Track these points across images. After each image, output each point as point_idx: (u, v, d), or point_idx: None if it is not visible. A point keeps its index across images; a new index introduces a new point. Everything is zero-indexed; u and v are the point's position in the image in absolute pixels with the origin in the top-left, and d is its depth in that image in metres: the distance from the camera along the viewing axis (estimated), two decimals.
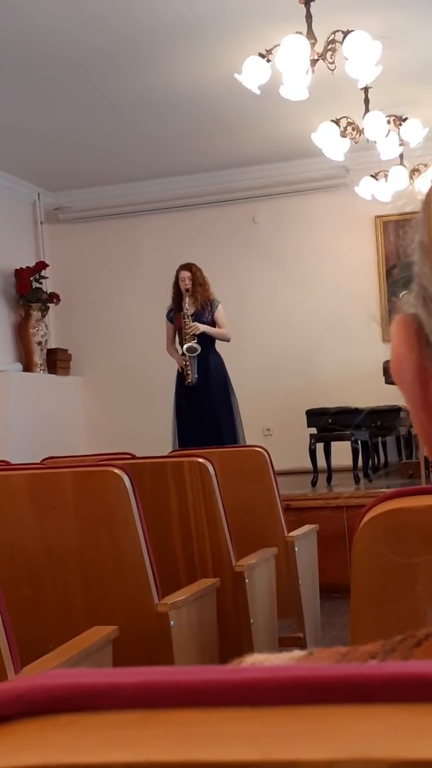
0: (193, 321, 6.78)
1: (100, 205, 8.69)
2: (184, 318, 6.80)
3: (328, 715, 0.29)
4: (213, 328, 6.85)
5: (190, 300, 6.82)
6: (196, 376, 6.78)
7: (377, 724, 0.29)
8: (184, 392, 6.86)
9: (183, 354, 6.82)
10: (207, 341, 6.84)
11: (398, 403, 6.81)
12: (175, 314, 6.94)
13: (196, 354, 6.77)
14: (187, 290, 6.84)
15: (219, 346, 6.98)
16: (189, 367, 6.78)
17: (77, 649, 1.96)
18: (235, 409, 6.96)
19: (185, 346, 6.77)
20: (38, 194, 8.73)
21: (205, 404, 6.77)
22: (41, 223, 8.81)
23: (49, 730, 0.31)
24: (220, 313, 6.91)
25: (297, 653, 0.46)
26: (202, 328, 6.77)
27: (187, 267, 6.92)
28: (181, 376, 6.89)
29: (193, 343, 6.76)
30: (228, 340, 6.94)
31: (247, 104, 6.38)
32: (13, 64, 5.86)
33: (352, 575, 1.19)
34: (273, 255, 8.38)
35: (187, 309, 6.80)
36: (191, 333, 6.76)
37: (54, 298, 8.43)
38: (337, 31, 4.70)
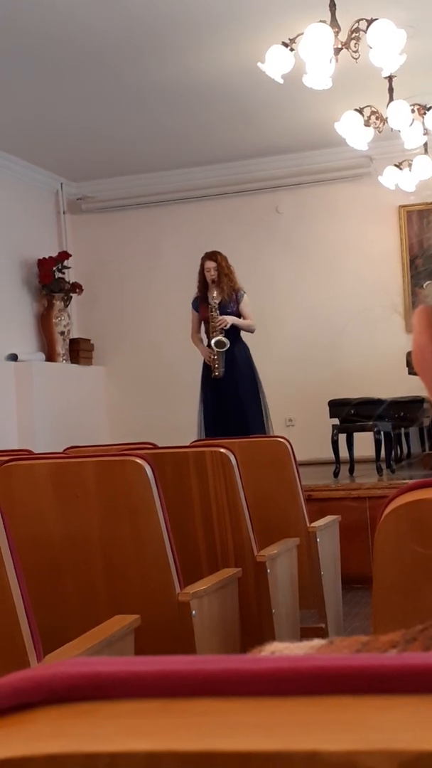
0: (219, 312, 6.71)
1: (123, 195, 8.69)
2: (211, 311, 6.70)
3: (348, 705, 0.29)
4: (240, 320, 6.75)
5: (217, 291, 6.73)
6: (224, 369, 6.70)
7: (397, 715, 0.29)
8: (210, 384, 6.78)
9: (210, 346, 6.73)
10: (233, 332, 6.74)
11: (421, 394, 6.78)
12: (200, 304, 6.87)
13: (225, 349, 6.66)
14: (213, 281, 6.75)
15: (245, 335, 6.91)
16: (217, 361, 6.68)
17: (99, 638, 1.96)
18: (262, 399, 6.89)
19: (213, 341, 6.65)
20: (61, 184, 8.74)
21: (232, 395, 6.69)
22: (64, 213, 8.82)
23: (70, 718, 0.31)
24: (245, 303, 6.81)
25: (317, 642, 0.46)
26: (230, 320, 6.68)
27: (212, 257, 6.82)
28: (207, 367, 6.82)
29: (222, 338, 6.64)
30: (253, 331, 6.86)
31: (270, 94, 6.36)
32: (35, 55, 5.86)
33: (374, 566, 1.19)
34: (296, 245, 8.35)
35: (214, 301, 6.70)
36: (220, 327, 6.66)
37: (77, 288, 8.44)
38: (361, 19, 4.67)
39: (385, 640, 0.41)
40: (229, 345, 6.66)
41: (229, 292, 6.75)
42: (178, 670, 0.31)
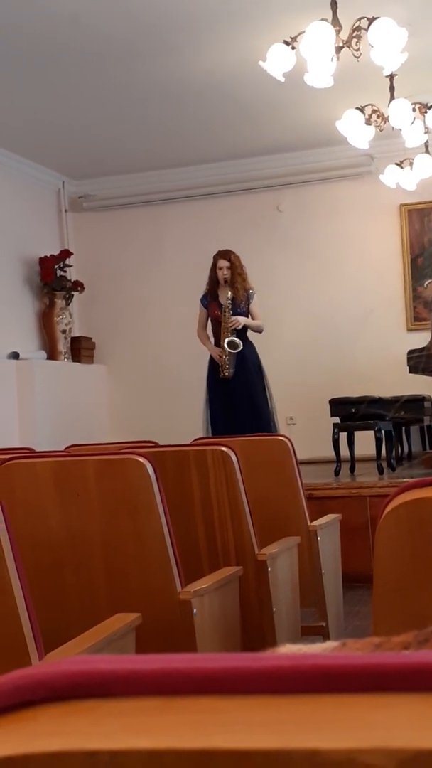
0: (231, 313, 6.64)
1: (124, 193, 8.69)
2: (224, 311, 6.62)
3: (348, 704, 0.29)
4: (251, 321, 6.71)
5: (231, 290, 6.64)
6: (233, 370, 6.64)
7: (397, 713, 0.29)
8: (219, 382, 6.71)
9: (222, 348, 6.64)
10: (242, 332, 6.70)
11: (422, 393, 6.80)
12: (210, 301, 6.80)
13: (237, 350, 6.61)
14: (226, 281, 6.67)
15: (250, 335, 6.88)
16: (228, 361, 6.61)
17: (100, 636, 1.96)
18: (269, 399, 6.87)
19: (226, 341, 6.58)
20: (63, 182, 8.74)
21: (242, 395, 6.64)
22: (66, 211, 8.82)
23: (71, 715, 0.31)
24: (255, 304, 6.75)
25: (330, 644, 0.46)
26: (243, 321, 6.63)
27: (226, 255, 6.72)
28: (214, 366, 6.76)
29: (235, 339, 6.58)
30: (262, 331, 6.81)
31: (272, 92, 6.36)
32: (37, 54, 5.86)
33: (374, 565, 1.19)
34: (297, 243, 8.35)
35: (228, 301, 6.63)
36: (232, 328, 6.60)
37: (78, 286, 8.44)
38: (363, 18, 4.67)
39: (398, 641, 0.41)
40: (241, 346, 6.61)
41: (242, 292, 6.69)
42: (178, 668, 0.31)
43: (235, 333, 6.63)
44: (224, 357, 6.63)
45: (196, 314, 6.98)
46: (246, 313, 6.71)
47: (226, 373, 6.62)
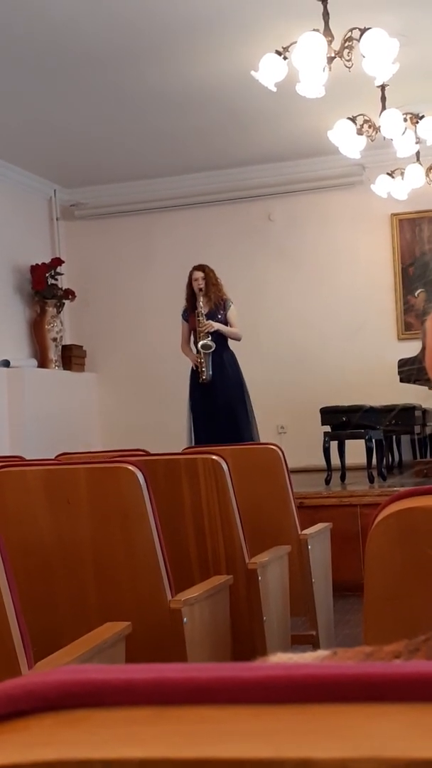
0: (207, 320, 6.82)
1: (116, 201, 8.70)
2: (198, 316, 6.84)
3: (341, 713, 0.29)
4: (226, 327, 6.91)
5: (204, 299, 6.86)
6: (211, 373, 6.83)
7: (390, 723, 0.29)
8: (198, 389, 6.89)
9: (198, 351, 6.84)
10: (220, 339, 6.89)
11: (413, 402, 6.81)
12: (189, 314, 6.97)
13: (210, 351, 6.81)
14: (201, 290, 6.88)
15: (233, 344, 7.01)
16: (203, 365, 6.82)
17: (90, 645, 1.96)
18: (249, 405, 7.00)
19: (200, 343, 6.81)
20: (54, 191, 8.75)
21: (220, 401, 6.81)
22: (57, 219, 8.83)
23: (63, 725, 0.31)
24: (232, 313, 6.97)
25: (321, 653, 0.46)
26: (216, 326, 6.83)
27: (200, 268, 6.96)
28: (195, 373, 6.92)
29: (208, 341, 6.80)
30: (239, 339, 7.00)
31: (264, 101, 6.37)
32: (29, 60, 5.87)
33: (365, 574, 1.19)
34: (288, 253, 8.37)
35: (201, 308, 6.84)
36: (205, 331, 6.80)
37: (69, 294, 8.44)
38: (354, 28, 4.69)
39: (389, 651, 0.41)
40: (214, 347, 6.81)
41: (216, 301, 6.89)
42: (171, 677, 0.31)
43: (209, 336, 6.80)
44: (200, 360, 6.79)
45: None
46: (223, 321, 6.91)
47: (204, 377, 6.80)
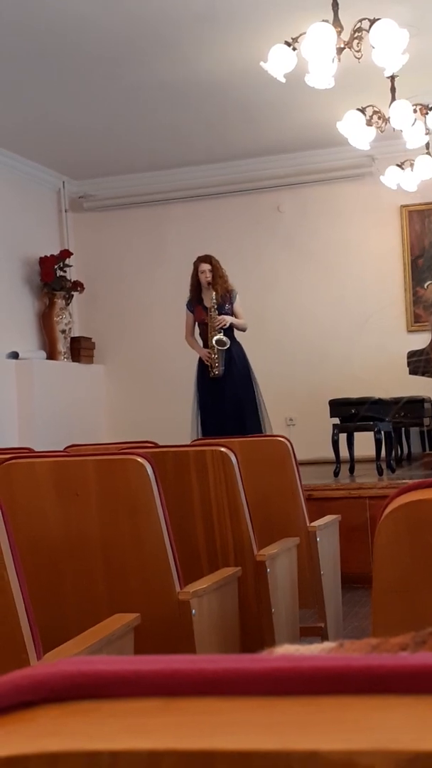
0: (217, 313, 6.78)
1: (125, 193, 8.69)
2: (210, 312, 6.78)
3: (348, 705, 0.29)
4: (236, 319, 6.87)
5: (215, 294, 6.79)
6: (223, 368, 6.77)
7: (397, 715, 0.29)
8: (207, 383, 6.85)
9: (210, 347, 6.77)
10: (229, 331, 6.84)
11: (422, 394, 6.80)
12: (195, 305, 6.93)
13: (225, 347, 6.74)
14: (209, 283, 6.82)
15: (239, 335, 6.97)
16: (217, 360, 6.75)
17: (99, 637, 1.96)
18: (258, 398, 6.96)
19: (215, 339, 6.72)
20: (63, 182, 8.74)
21: (229, 394, 6.77)
22: (66, 211, 8.82)
23: (70, 716, 0.31)
24: (239, 304, 6.93)
25: (327, 645, 0.46)
26: (230, 320, 6.77)
27: (207, 259, 6.89)
28: (203, 366, 6.88)
29: (222, 336, 6.73)
30: (245, 330, 6.95)
31: (273, 93, 6.35)
32: (37, 54, 5.86)
33: (374, 566, 1.19)
34: (297, 244, 8.35)
35: (213, 302, 6.77)
36: (219, 326, 6.74)
37: (78, 286, 8.44)
38: (364, 19, 4.67)
39: (396, 643, 0.41)
40: (229, 343, 6.72)
41: (222, 293, 6.82)
42: (179, 669, 0.31)
43: (222, 332, 6.74)
44: (213, 356, 6.75)
45: None
46: (231, 313, 6.86)
47: (216, 372, 6.74)
